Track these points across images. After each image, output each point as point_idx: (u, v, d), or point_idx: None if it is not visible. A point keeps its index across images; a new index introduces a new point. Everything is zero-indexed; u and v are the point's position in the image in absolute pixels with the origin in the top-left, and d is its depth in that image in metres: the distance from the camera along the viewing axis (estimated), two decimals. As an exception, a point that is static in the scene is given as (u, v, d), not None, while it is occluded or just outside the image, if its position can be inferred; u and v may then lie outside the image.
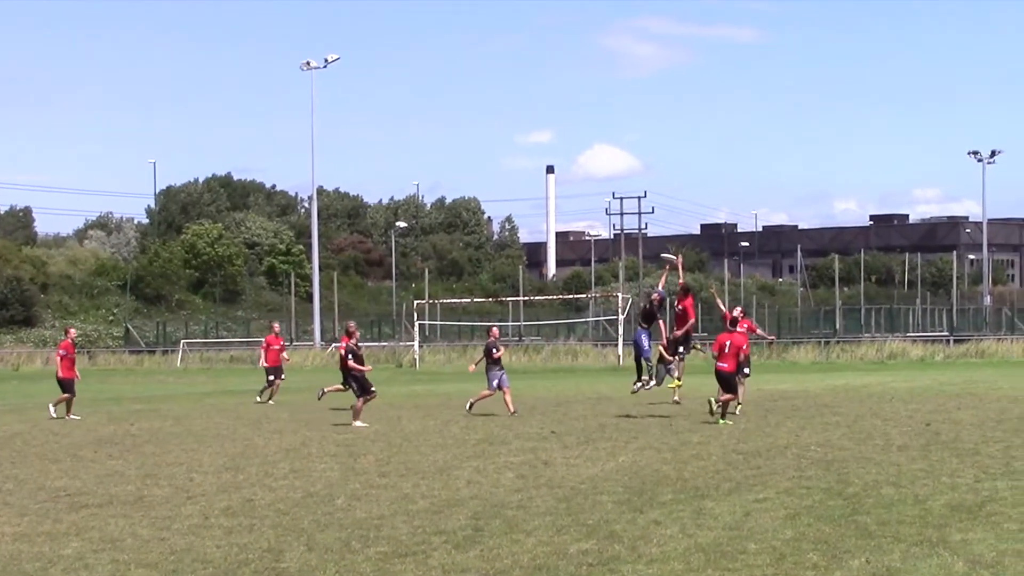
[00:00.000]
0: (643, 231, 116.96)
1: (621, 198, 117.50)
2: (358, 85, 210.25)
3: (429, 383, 41.92)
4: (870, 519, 12.72)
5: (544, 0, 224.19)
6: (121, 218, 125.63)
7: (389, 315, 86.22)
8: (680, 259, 29.98)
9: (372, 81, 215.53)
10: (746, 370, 25.52)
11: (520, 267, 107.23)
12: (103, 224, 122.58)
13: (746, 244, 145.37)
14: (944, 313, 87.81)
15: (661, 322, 26.62)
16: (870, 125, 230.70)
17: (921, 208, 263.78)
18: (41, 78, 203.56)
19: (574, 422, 24.60)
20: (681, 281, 26.50)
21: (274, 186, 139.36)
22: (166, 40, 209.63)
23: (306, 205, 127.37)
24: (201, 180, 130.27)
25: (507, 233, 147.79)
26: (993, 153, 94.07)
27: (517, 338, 72.16)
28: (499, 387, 26.71)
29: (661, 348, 26.49)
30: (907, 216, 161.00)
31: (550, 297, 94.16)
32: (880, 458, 17.56)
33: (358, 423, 24.94)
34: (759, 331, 32.85)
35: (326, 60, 75.64)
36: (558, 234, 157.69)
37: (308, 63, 75.43)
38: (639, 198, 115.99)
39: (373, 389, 26.11)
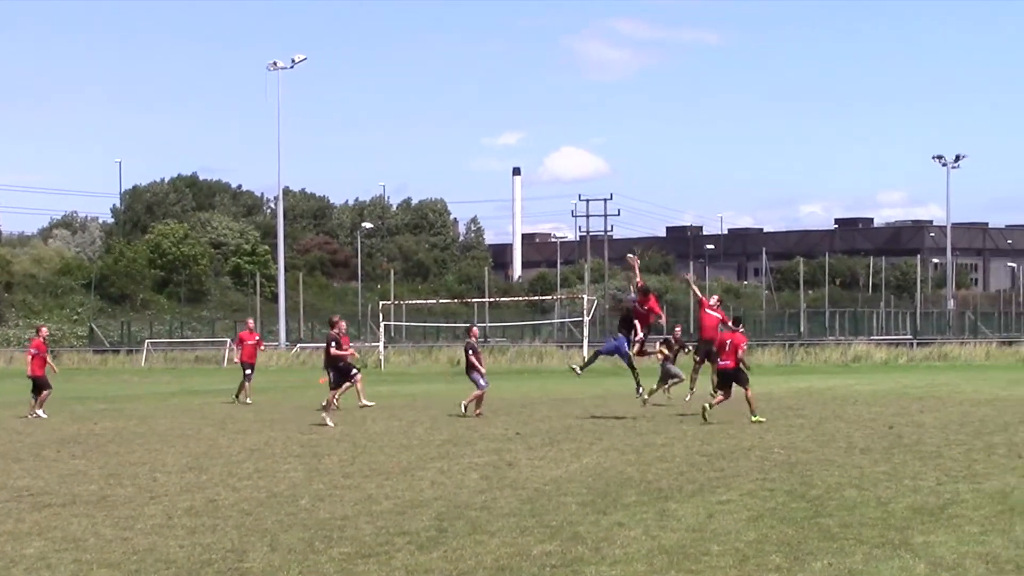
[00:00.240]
0: (609, 233, 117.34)
1: (587, 200, 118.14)
2: (325, 86, 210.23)
3: (394, 384, 41.86)
4: (833, 521, 12.78)
5: (513, 3, 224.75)
6: (86, 217, 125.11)
7: (355, 316, 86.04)
8: (636, 260, 29.73)
9: (339, 82, 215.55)
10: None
11: (486, 268, 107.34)
12: (68, 223, 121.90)
13: (711, 247, 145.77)
14: (908, 316, 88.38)
15: (639, 323, 26.27)
16: (835, 129, 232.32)
17: (886, 212, 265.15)
18: (5, 77, 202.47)
19: (539, 423, 24.62)
20: (640, 282, 26.39)
21: (240, 186, 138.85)
22: (132, 40, 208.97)
23: (272, 205, 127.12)
24: (167, 180, 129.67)
25: (473, 234, 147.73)
26: (957, 158, 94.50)
27: (483, 339, 72.13)
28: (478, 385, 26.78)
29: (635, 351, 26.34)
30: (872, 220, 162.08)
31: (516, 299, 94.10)
32: (843, 461, 17.65)
33: (326, 418, 24.88)
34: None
35: (293, 60, 75.42)
36: (524, 236, 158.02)
37: (275, 63, 75.12)
38: (605, 200, 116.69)
39: (355, 372, 26.14)
